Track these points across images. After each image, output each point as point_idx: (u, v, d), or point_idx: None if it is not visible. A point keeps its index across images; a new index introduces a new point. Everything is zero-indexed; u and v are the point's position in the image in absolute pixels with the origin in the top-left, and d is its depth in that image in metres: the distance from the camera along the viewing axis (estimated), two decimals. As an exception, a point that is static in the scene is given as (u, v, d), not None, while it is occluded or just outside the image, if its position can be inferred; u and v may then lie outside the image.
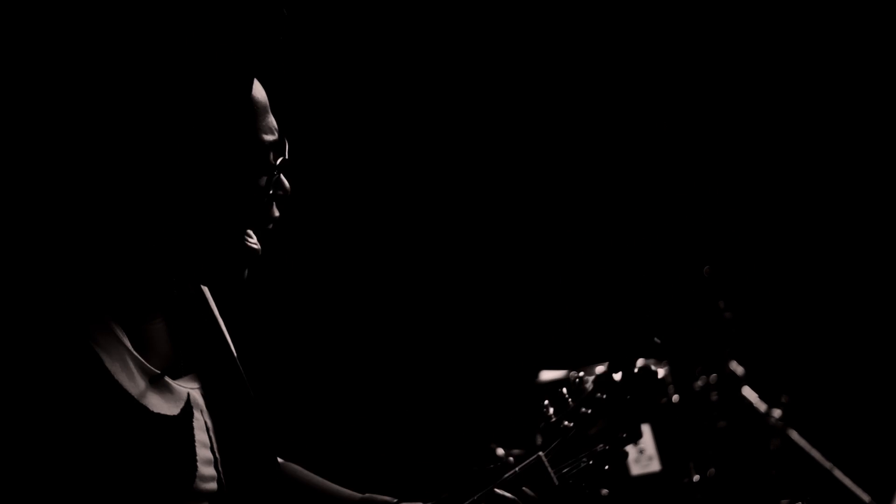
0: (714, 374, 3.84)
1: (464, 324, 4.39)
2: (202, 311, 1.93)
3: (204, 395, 1.83)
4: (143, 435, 1.67)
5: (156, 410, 1.71)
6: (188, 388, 1.80)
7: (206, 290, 1.96)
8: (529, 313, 4.49)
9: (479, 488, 1.94)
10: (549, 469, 1.96)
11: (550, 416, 2.03)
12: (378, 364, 4.20)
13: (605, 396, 2.03)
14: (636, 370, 2.05)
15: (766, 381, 3.98)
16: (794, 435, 3.87)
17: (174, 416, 1.74)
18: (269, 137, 1.76)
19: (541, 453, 1.97)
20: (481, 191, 4.46)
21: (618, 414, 2.02)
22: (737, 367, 3.88)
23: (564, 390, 2.04)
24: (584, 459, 1.99)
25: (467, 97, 4.42)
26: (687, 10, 4.55)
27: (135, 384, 1.70)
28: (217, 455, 1.80)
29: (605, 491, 3.61)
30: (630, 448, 2.05)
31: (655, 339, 2.09)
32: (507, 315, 4.47)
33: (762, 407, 3.88)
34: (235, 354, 1.94)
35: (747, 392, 3.88)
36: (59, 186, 1.73)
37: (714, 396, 3.81)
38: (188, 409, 1.78)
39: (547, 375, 3.69)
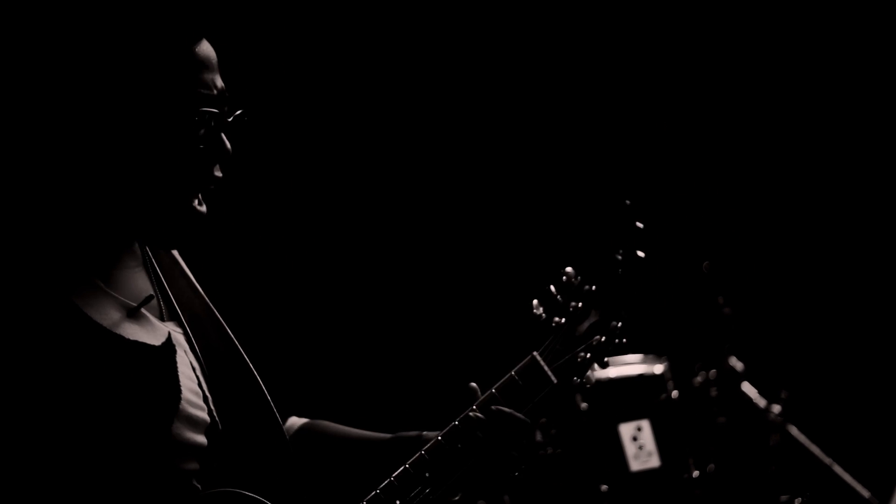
0: (713, 370, 3.84)
1: (461, 320, 4.39)
2: (177, 271, 1.95)
3: (188, 342, 1.85)
4: (122, 363, 1.70)
5: (132, 338, 1.73)
6: (170, 329, 1.82)
7: (176, 254, 1.98)
8: (520, 309, 4.47)
9: (476, 399, 1.92)
10: (545, 367, 1.94)
11: (540, 315, 1.99)
12: (366, 356, 4.19)
13: (594, 288, 1.99)
14: (621, 255, 2.02)
15: (766, 376, 3.98)
16: (794, 431, 3.87)
17: (155, 346, 1.76)
18: (205, 93, 1.75)
19: (535, 353, 1.95)
20: (470, 187, 4.45)
21: (609, 303, 1.99)
22: (736, 363, 3.88)
23: (552, 288, 2.00)
24: (581, 354, 1.97)
25: (465, 97, 4.42)
26: (686, 10, 4.54)
27: (107, 316, 1.73)
28: (206, 393, 1.82)
29: (604, 487, 3.62)
30: (622, 336, 2.00)
31: (638, 224, 2.05)
32: (506, 312, 4.47)
33: (762, 403, 3.88)
34: (216, 312, 1.95)
35: (747, 388, 3.88)
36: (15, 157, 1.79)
37: (713, 392, 3.82)
38: (170, 344, 1.79)
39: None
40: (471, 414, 1.90)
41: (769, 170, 4.66)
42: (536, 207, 4.45)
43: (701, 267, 3.93)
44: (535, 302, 2.00)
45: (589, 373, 1.99)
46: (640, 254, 2.03)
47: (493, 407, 1.90)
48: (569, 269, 2.02)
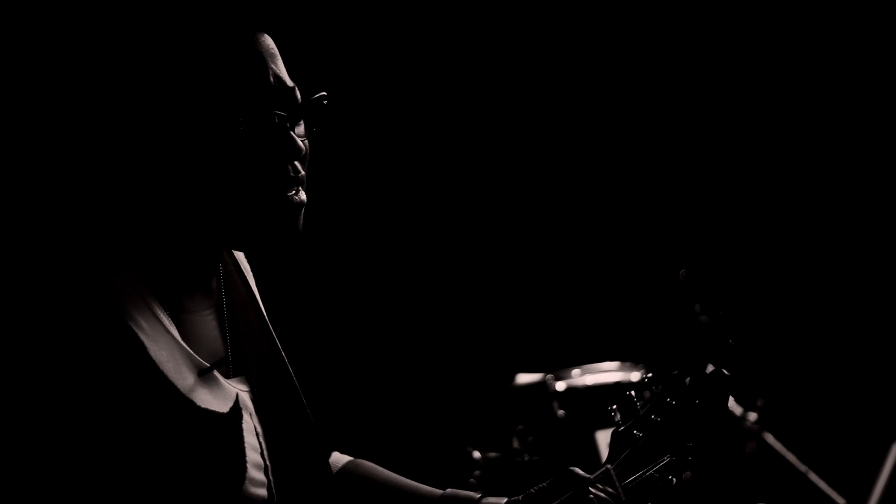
0: (689, 378, 3.83)
1: (440, 328, 4.38)
2: (251, 310, 1.83)
3: (253, 400, 1.73)
4: (190, 431, 1.58)
5: (204, 406, 1.61)
6: (238, 389, 1.70)
7: (254, 288, 1.86)
8: (506, 317, 4.48)
9: (559, 494, 1.80)
10: (617, 483, 1.83)
11: (619, 424, 1.87)
12: (353, 366, 4.19)
13: (674, 402, 1.89)
14: (706, 373, 1.92)
15: (742, 384, 3.98)
16: (770, 438, 3.88)
17: (223, 413, 1.64)
18: (271, 86, 1.64)
19: (609, 466, 1.84)
20: (462, 192, 4.46)
21: (686, 422, 1.87)
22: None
23: (632, 394, 1.89)
24: (651, 472, 1.86)
25: (463, 96, 4.42)
26: (686, 10, 4.55)
27: (182, 377, 1.60)
28: (267, 462, 1.71)
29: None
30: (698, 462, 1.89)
31: (730, 342, 1.96)
32: (484, 318, 4.47)
33: (738, 410, 3.88)
34: (284, 356, 1.84)
35: (723, 395, 3.88)
36: (84, 169, 1.66)
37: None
38: (237, 409, 1.67)
39: (523, 379, 3.69)
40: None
41: (745, 178, 4.67)
42: (517, 211, 4.46)
43: (678, 275, 3.93)
44: (614, 406, 1.89)
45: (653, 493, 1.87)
46: (726, 373, 1.95)
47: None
48: (650, 374, 1.92)
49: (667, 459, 1.86)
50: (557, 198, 4.56)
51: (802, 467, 3.89)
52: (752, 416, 3.87)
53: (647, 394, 1.89)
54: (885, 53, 4.56)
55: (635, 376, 3.72)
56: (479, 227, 4.46)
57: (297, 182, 1.66)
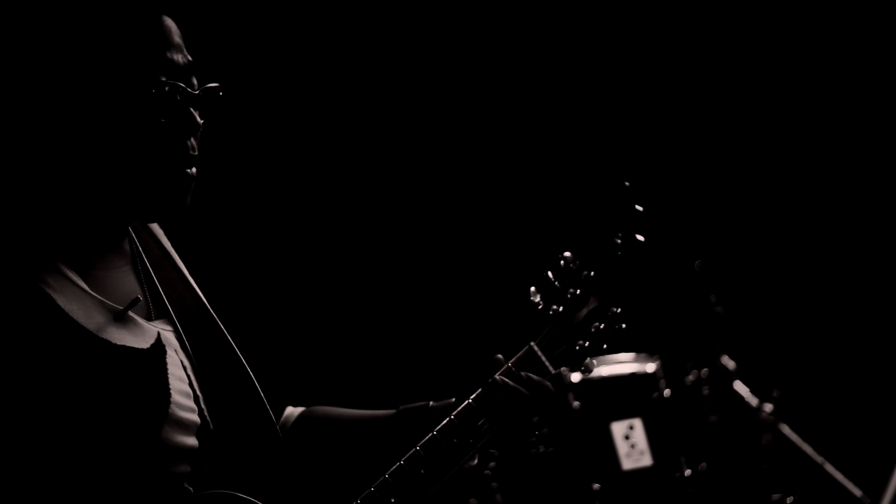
0: (705, 369, 3.84)
1: (457, 317, 4.38)
2: (168, 265, 1.91)
3: (178, 339, 1.82)
4: (109, 368, 1.67)
5: (119, 343, 1.70)
6: (160, 329, 1.80)
7: (169, 247, 1.95)
8: (521, 307, 4.47)
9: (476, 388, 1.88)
10: (542, 357, 1.90)
11: (538, 304, 1.94)
12: (361, 344, 4.19)
13: (592, 273, 1.94)
14: (620, 239, 1.97)
15: (758, 375, 3.98)
16: (786, 429, 3.87)
17: (143, 349, 1.73)
18: (168, 61, 1.74)
19: (532, 343, 1.91)
20: (465, 170, 4.45)
21: (608, 288, 1.93)
22: (728, 362, 3.87)
23: (550, 274, 1.95)
24: (580, 342, 1.92)
25: (460, 96, 4.41)
26: (686, 10, 4.54)
27: (93, 321, 1.69)
28: (198, 392, 1.79)
29: (596, 485, 3.62)
30: (623, 323, 1.95)
31: (637, 207, 1.99)
32: (497, 309, 4.46)
33: (753, 401, 3.87)
34: (209, 306, 1.92)
35: (739, 386, 3.88)
36: None
37: (705, 391, 3.81)
38: (160, 345, 1.77)
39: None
40: (492, 380, 1.87)
41: (761, 169, 4.65)
42: (534, 190, 4.45)
43: (693, 265, 3.93)
44: (532, 289, 1.96)
45: (588, 361, 1.94)
46: (640, 237, 1.98)
47: (521, 373, 1.88)
48: (567, 253, 1.97)
49: (595, 327, 1.92)
50: (569, 188, 4.55)
51: (818, 459, 3.88)
52: (768, 407, 3.86)
53: (566, 270, 1.95)
54: (886, 53, 4.55)
55: (650, 368, 3.72)
56: (498, 203, 4.45)
57: (191, 159, 1.76)
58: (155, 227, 1.95)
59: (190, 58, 1.77)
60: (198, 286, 1.94)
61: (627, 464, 3.65)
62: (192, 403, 1.77)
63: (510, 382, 1.87)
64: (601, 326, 1.93)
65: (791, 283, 4.65)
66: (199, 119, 1.76)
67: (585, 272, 1.94)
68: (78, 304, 1.70)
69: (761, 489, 3.82)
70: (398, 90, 4.30)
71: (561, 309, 1.93)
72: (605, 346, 1.93)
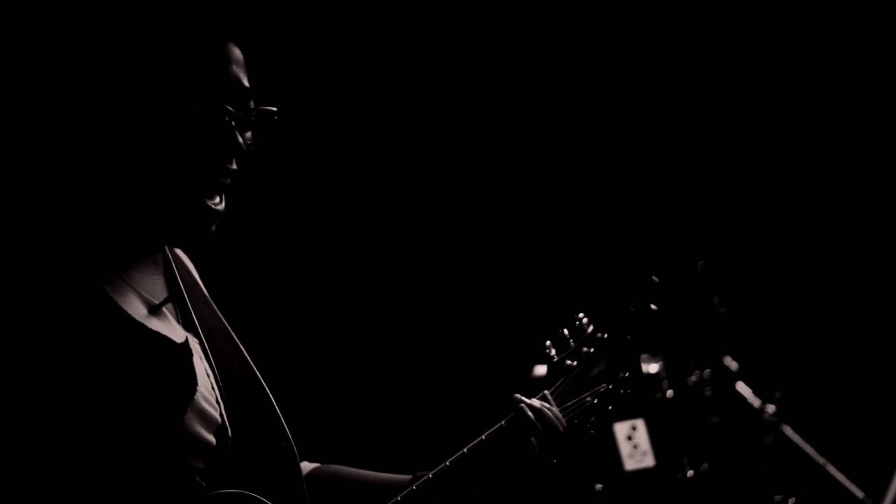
0: (708, 370, 3.84)
1: (458, 320, 4.38)
2: (197, 292, 1.98)
3: (203, 351, 1.88)
4: (144, 352, 1.74)
5: (155, 329, 1.78)
6: (188, 335, 1.87)
7: (196, 275, 2.01)
8: (524, 309, 4.48)
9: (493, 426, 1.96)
10: (554, 405, 1.99)
11: (553, 357, 2.04)
12: (371, 361, 4.19)
13: (605, 336, 2.04)
14: (634, 308, 2.05)
15: (760, 376, 3.98)
16: (788, 430, 3.87)
17: (175, 342, 1.81)
18: (227, 87, 1.79)
19: (546, 391, 2.00)
20: (469, 187, 4.45)
21: (618, 353, 2.03)
22: (731, 363, 3.88)
23: (566, 331, 2.05)
24: (588, 399, 2.01)
25: (461, 96, 4.41)
26: (685, 9, 4.55)
27: (134, 308, 1.78)
28: (219, 398, 1.84)
29: (599, 486, 3.62)
30: (629, 390, 2.05)
31: (654, 279, 2.08)
32: (501, 310, 4.47)
33: (756, 402, 3.88)
34: (232, 332, 1.98)
35: (741, 387, 3.88)
36: (39, 161, 1.87)
37: (708, 392, 3.82)
38: (188, 347, 1.84)
39: (540, 371, 3.69)
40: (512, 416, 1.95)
41: (763, 170, 4.66)
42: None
43: (696, 266, 3.93)
44: (548, 343, 2.06)
45: (592, 419, 2.03)
46: (653, 307, 2.07)
47: (537, 405, 1.96)
48: (582, 314, 2.08)
49: (603, 388, 2.02)
50: (574, 190, 4.55)
51: (820, 460, 3.88)
52: (771, 408, 3.86)
53: (581, 329, 2.07)
54: (886, 53, 4.55)
55: (653, 368, 3.72)
56: (497, 221, 4.45)
57: (228, 175, 1.81)
58: (184, 256, 2.02)
59: (248, 84, 1.83)
60: (220, 311, 2.00)
61: (630, 464, 3.65)
62: (214, 402, 1.83)
63: (529, 414, 1.95)
64: (609, 388, 2.03)
65: (793, 284, 4.65)
66: (241, 141, 1.81)
67: (599, 334, 2.05)
68: (121, 292, 1.78)
69: (763, 490, 3.83)
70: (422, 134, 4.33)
71: (575, 363, 2.03)
72: (610, 407, 2.03)
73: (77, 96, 1.78)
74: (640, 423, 3.67)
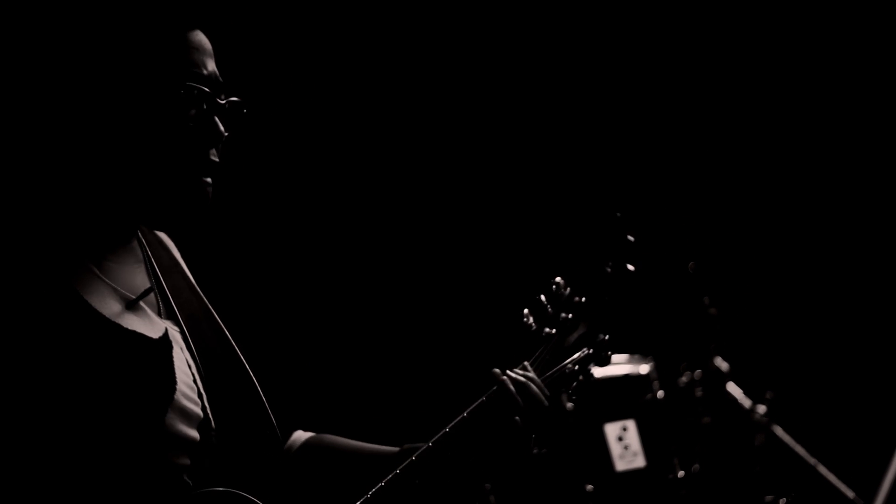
0: (699, 371, 3.84)
1: (448, 321, 4.38)
2: (177, 273, 1.95)
3: (184, 340, 1.85)
4: (120, 353, 1.71)
5: (131, 328, 1.74)
6: (167, 326, 1.83)
7: (178, 256, 1.98)
8: (515, 309, 4.47)
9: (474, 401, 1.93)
10: (535, 376, 1.95)
11: (531, 325, 2.00)
12: (361, 360, 4.19)
13: (583, 300, 2.01)
14: (611, 268, 2.02)
15: (751, 377, 3.99)
16: (779, 431, 3.88)
17: (153, 339, 1.77)
18: (195, 71, 1.77)
19: (525, 362, 1.96)
20: (462, 193, 4.45)
21: (597, 316, 2.00)
22: (721, 364, 3.88)
23: (543, 297, 2.01)
24: (569, 366, 1.98)
25: (461, 96, 4.42)
26: (685, 9, 4.55)
27: (107, 306, 1.74)
28: (201, 390, 1.82)
29: (590, 487, 3.62)
30: (611, 355, 2.02)
31: (629, 238, 2.05)
32: (492, 311, 4.47)
33: (747, 403, 3.88)
34: (216, 315, 1.95)
35: (732, 388, 3.88)
36: (17, 142, 1.80)
37: (699, 392, 3.82)
38: (167, 339, 1.80)
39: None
40: (465, 414, 1.91)
41: (754, 171, 4.66)
42: (528, 214, 4.45)
43: (686, 267, 3.93)
44: (525, 311, 2.01)
45: (574, 385, 2.01)
46: (630, 267, 2.04)
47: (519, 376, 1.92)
48: (559, 279, 2.03)
49: (583, 352, 1.99)
50: (574, 197, 4.56)
51: (811, 460, 3.89)
52: (762, 408, 3.86)
53: (558, 295, 2.02)
54: (886, 53, 4.56)
55: (644, 369, 3.72)
56: (492, 219, 4.45)
57: (212, 167, 1.79)
58: (163, 236, 1.98)
59: (218, 73, 1.80)
60: (204, 294, 1.97)
61: (621, 465, 3.65)
62: (195, 397, 1.80)
63: (510, 388, 1.91)
64: (590, 351, 1.99)
65: (784, 285, 4.66)
66: (222, 128, 1.79)
67: (577, 298, 2.01)
68: (93, 289, 1.74)
69: (754, 490, 3.83)
70: (402, 118, 4.32)
71: (554, 331, 2.00)
72: (591, 371, 2.00)
73: (40, 82, 1.75)
74: (630, 424, 3.67)
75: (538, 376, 1.95)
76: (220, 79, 1.81)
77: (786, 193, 4.66)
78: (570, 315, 2.00)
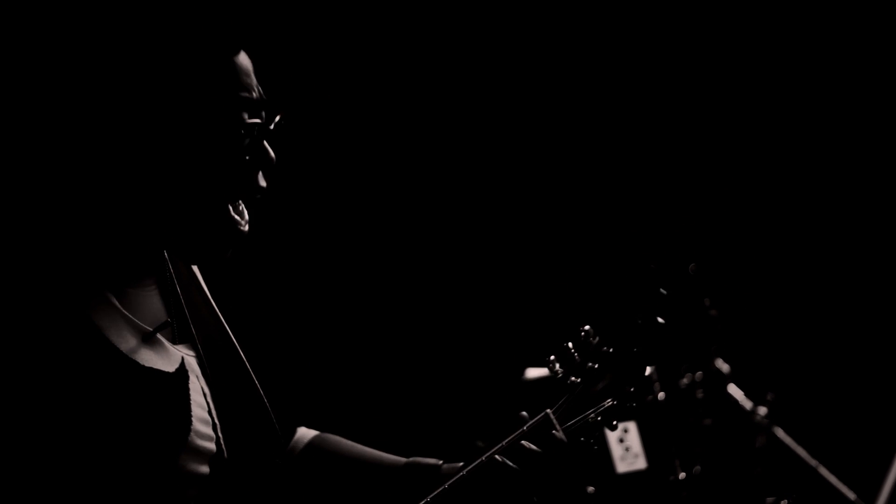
0: (700, 372, 3.83)
1: (448, 322, 4.38)
2: (194, 288, 1.91)
3: (200, 364, 1.82)
4: (135, 390, 1.66)
5: (147, 364, 1.69)
6: (183, 353, 1.79)
7: (196, 270, 1.94)
8: (516, 311, 4.48)
9: (487, 450, 1.91)
10: (557, 426, 1.93)
11: (557, 372, 1.98)
12: (362, 362, 4.19)
13: (611, 350, 1.98)
14: (641, 322, 2.00)
15: (752, 378, 3.98)
16: (780, 432, 3.87)
17: (169, 373, 1.72)
18: (246, 97, 1.72)
19: (548, 410, 1.94)
20: (467, 189, 4.46)
21: (624, 367, 1.97)
22: (722, 365, 3.87)
23: (570, 345, 1.99)
24: (592, 416, 1.96)
25: (463, 96, 4.42)
26: (685, 9, 4.55)
27: (124, 340, 1.68)
28: (216, 420, 1.79)
29: (591, 489, 3.62)
30: (635, 404, 2.00)
31: (661, 291, 2.05)
32: (493, 313, 4.47)
33: (748, 404, 3.87)
34: (230, 332, 1.92)
35: (733, 390, 3.88)
36: (39, 165, 1.72)
37: (700, 394, 3.81)
38: (183, 370, 1.76)
39: (532, 373, 3.69)
40: (487, 457, 1.89)
41: (754, 172, 4.66)
42: (522, 205, 4.46)
43: (687, 269, 3.93)
44: (552, 357, 2.00)
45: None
46: (660, 320, 2.02)
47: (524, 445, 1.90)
48: (587, 327, 2.01)
49: (609, 403, 1.96)
50: (570, 190, 4.56)
51: (812, 462, 3.88)
52: (762, 410, 3.86)
53: (586, 343, 2.00)
54: (886, 53, 4.55)
55: (645, 371, 3.71)
56: (488, 219, 4.45)
57: (258, 190, 1.75)
58: None
59: (261, 91, 1.76)
60: (217, 306, 1.94)
61: (622, 467, 3.65)
62: (210, 431, 1.77)
63: (507, 462, 1.89)
64: (614, 403, 1.97)
65: (785, 286, 4.65)
66: (272, 154, 1.76)
67: (605, 348, 1.98)
68: (112, 323, 1.69)
69: (755, 492, 3.83)
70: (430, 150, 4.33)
71: (579, 380, 1.97)
72: (614, 423, 1.98)
73: (76, 105, 1.68)
74: (631, 426, 3.66)
75: (560, 424, 1.93)
76: (265, 97, 1.76)
77: (787, 194, 4.66)
78: (597, 365, 1.98)
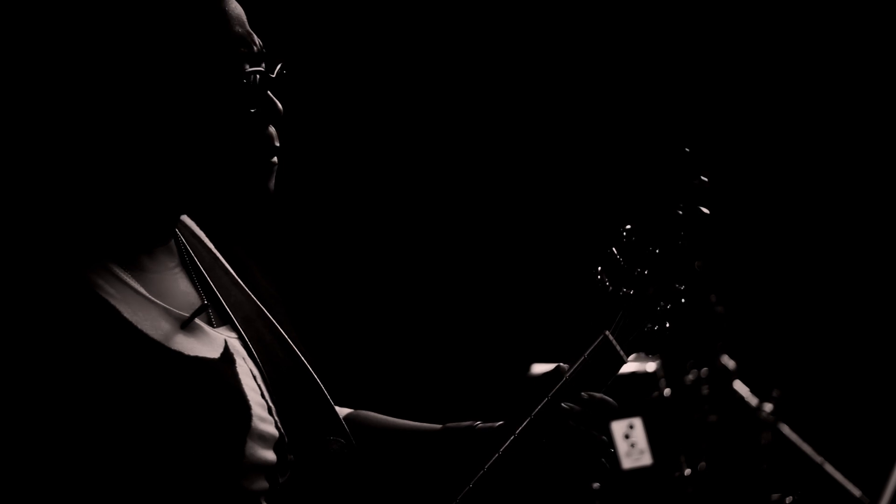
0: (705, 369, 3.84)
1: (454, 317, 4.38)
2: (220, 269, 1.79)
3: (244, 345, 1.69)
4: (186, 382, 1.53)
5: (193, 354, 1.57)
6: (225, 336, 1.67)
7: (217, 253, 1.82)
8: (520, 307, 4.48)
9: (546, 392, 1.74)
10: (618, 347, 1.76)
11: (607, 286, 1.80)
12: (367, 358, 4.19)
13: (657, 250, 1.81)
14: (682, 212, 1.84)
15: (758, 375, 3.98)
16: (785, 429, 3.87)
17: (215, 359, 1.60)
18: (245, 50, 1.59)
19: (606, 332, 1.77)
20: (472, 186, 4.45)
21: (672, 265, 1.81)
22: (728, 362, 3.88)
23: (614, 250, 1.80)
24: (649, 325, 1.78)
25: (464, 96, 4.42)
26: (685, 9, 4.55)
27: (161, 331, 1.55)
28: (270, 403, 1.67)
29: (596, 485, 3.62)
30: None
31: (702, 178, 1.89)
32: (498, 308, 4.47)
33: (753, 401, 3.88)
34: (264, 308, 1.80)
35: (738, 386, 3.88)
36: (48, 130, 1.60)
37: (705, 390, 3.81)
38: (229, 354, 1.64)
39: (538, 369, 3.69)
40: (554, 403, 1.72)
41: (761, 169, 4.66)
42: (527, 202, 4.46)
43: (693, 265, 3.92)
44: (598, 269, 1.82)
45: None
46: (705, 210, 1.87)
47: (582, 394, 1.73)
48: (628, 226, 1.84)
49: (661, 307, 1.79)
50: (574, 186, 4.56)
51: (818, 458, 3.88)
52: (768, 406, 3.86)
53: (630, 245, 1.82)
54: (886, 53, 4.55)
55: (651, 367, 3.72)
56: (493, 215, 4.45)
57: (274, 148, 1.64)
58: (194, 226, 1.81)
59: (261, 41, 1.63)
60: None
61: (627, 463, 3.65)
62: (268, 415, 1.65)
63: (570, 407, 1.74)
64: (667, 306, 1.80)
65: (791, 282, 4.65)
66: (279, 104, 1.63)
67: (650, 248, 1.82)
68: (142, 312, 1.55)
69: (761, 489, 3.83)
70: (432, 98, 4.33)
71: (632, 292, 1.79)
72: (668, 325, 1.79)
73: (74, 78, 1.55)
74: (637, 422, 3.66)
75: (620, 344, 1.75)
76: (264, 49, 1.63)
77: (792, 192, 4.66)
78: (646, 271, 1.79)
